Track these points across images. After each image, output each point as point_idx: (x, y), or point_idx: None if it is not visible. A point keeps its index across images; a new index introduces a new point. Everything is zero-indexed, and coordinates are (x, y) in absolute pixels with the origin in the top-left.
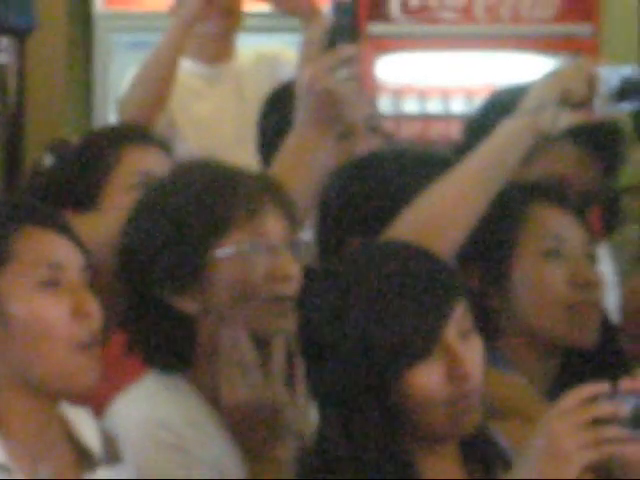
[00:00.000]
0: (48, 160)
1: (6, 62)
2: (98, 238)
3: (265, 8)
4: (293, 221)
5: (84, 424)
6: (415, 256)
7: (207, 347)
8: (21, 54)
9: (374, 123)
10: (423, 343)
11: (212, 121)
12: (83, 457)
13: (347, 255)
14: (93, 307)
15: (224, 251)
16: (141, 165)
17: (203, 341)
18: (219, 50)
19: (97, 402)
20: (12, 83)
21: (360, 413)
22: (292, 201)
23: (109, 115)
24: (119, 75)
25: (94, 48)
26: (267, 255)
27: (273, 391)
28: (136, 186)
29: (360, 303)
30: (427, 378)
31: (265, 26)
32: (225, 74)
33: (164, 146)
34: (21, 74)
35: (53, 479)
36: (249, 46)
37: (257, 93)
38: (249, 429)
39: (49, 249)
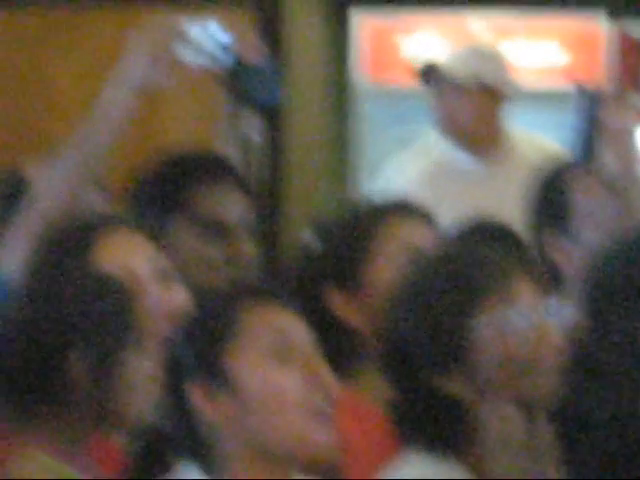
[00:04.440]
0: (310, 240)
1: (253, 138)
2: (365, 315)
3: (531, 84)
4: (544, 288)
5: None
6: None
7: (475, 425)
8: (271, 128)
9: None
10: None
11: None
12: None
13: (606, 332)
14: (325, 373)
15: (482, 326)
16: (404, 237)
17: (471, 420)
18: (487, 139)
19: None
20: (260, 159)
21: None
22: (540, 269)
23: (367, 187)
24: (379, 150)
25: (352, 120)
26: (526, 326)
27: (541, 466)
28: (400, 259)
29: (625, 381)
30: None
31: (530, 103)
32: (494, 167)
33: (428, 218)
34: (272, 148)
35: None
36: (524, 134)
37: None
38: None
39: (277, 320)
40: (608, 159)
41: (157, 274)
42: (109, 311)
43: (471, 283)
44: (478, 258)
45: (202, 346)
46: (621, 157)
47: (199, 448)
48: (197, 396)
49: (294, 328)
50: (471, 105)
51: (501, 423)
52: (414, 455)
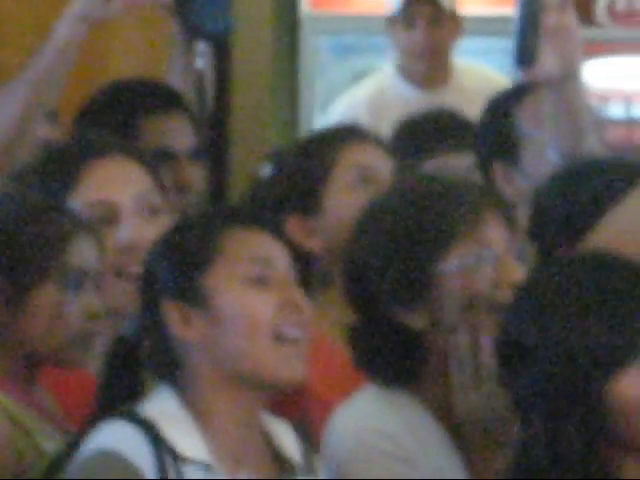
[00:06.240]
0: (266, 170)
1: (203, 67)
2: (322, 240)
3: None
4: (513, 228)
5: (284, 435)
6: (615, 265)
7: (437, 360)
8: (219, 59)
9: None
10: (625, 350)
11: None
12: (282, 466)
13: (549, 265)
14: (301, 301)
15: (449, 264)
16: (359, 161)
17: (433, 354)
18: (434, 72)
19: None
20: (209, 88)
21: (563, 421)
22: (511, 208)
23: (315, 119)
24: (325, 79)
25: (300, 51)
26: (492, 264)
27: (504, 401)
28: (356, 182)
29: (562, 311)
30: (630, 386)
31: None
32: (442, 99)
33: (381, 142)
34: (220, 79)
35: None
36: (469, 65)
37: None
38: (478, 440)
39: (257, 246)
40: (550, 61)
41: (142, 208)
42: (30, 242)
43: (443, 223)
44: (452, 194)
45: (181, 265)
46: (564, 57)
47: (173, 368)
48: (172, 314)
49: (274, 254)
50: (423, 35)
51: (472, 356)
52: (371, 390)
